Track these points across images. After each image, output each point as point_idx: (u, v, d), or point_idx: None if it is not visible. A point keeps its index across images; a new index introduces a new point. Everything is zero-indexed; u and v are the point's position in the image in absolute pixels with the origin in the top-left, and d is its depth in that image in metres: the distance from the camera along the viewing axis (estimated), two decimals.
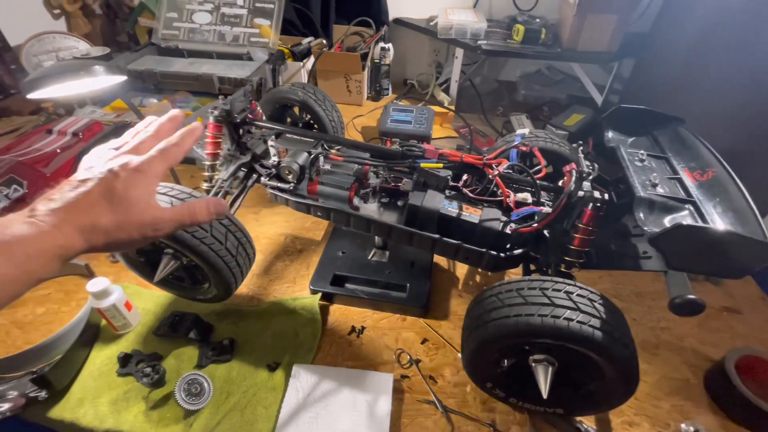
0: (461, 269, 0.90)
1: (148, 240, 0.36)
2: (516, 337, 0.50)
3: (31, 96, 0.55)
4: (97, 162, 0.35)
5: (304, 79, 1.49)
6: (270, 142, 0.73)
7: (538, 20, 1.34)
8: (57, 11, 1.64)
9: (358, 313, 0.80)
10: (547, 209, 0.58)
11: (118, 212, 0.33)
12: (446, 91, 1.54)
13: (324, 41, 1.55)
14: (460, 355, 0.70)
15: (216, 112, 0.69)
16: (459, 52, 1.41)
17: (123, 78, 0.62)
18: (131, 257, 0.69)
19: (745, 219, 0.48)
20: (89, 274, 0.84)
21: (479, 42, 1.32)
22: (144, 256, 0.68)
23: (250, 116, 0.77)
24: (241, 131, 0.76)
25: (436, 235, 0.63)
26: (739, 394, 0.62)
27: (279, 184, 0.72)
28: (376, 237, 0.86)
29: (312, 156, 0.70)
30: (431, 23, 1.44)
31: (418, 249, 0.86)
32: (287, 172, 0.70)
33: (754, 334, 0.76)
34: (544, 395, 0.51)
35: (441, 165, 0.66)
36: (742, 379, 0.63)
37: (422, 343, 0.74)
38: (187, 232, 0.56)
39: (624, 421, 0.64)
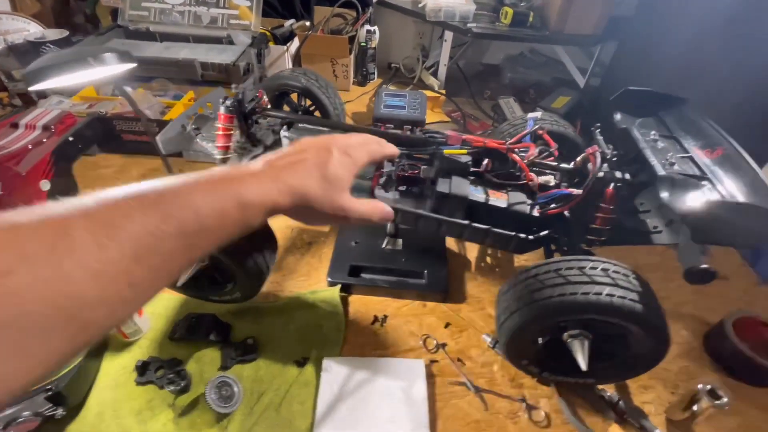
0: (471, 253, 0.91)
1: (334, 221, 0.39)
2: (561, 315, 0.52)
3: (33, 88, 0.49)
4: (312, 142, 0.38)
5: (288, 63, 1.43)
6: (283, 133, 0.70)
7: (523, 3, 1.36)
8: None
9: (378, 302, 0.80)
10: (577, 191, 0.60)
11: (324, 186, 0.36)
12: (434, 74, 1.53)
13: (307, 23, 1.49)
14: (484, 336, 0.73)
15: (228, 102, 0.65)
16: (448, 35, 1.40)
17: (134, 65, 0.57)
18: None
19: (760, 192, 0.52)
20: None
21: (469, 25, 1.31)
22: None
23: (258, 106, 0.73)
24: (249, 122, 0.72)
25: (466, 222, 0.63)
26: (738, 352, 0.68)
27: None
28: (388, 225, 0.85)
29: None
30: (419, 5, 1.41)
31: (429, 236, 0.88)
32: None
33: (742, 298, 0.83)
34: (584, 368, 0.53)
35: (465, 151, 0.66)
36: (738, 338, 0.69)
37: (446, 327, 0.76)
38: None
39: (640, 385, 0.68)
